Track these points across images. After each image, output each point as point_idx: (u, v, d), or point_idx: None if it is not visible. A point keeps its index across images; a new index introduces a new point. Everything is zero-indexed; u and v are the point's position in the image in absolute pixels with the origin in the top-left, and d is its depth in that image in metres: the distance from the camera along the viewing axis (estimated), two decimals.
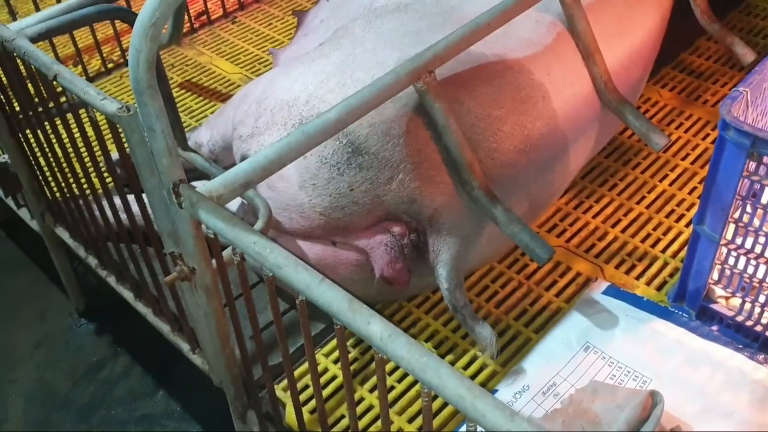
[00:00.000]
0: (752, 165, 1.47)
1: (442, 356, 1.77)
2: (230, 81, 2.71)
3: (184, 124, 2.49)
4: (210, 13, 3.01)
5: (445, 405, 1.67)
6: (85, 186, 1.72)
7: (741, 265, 1.63)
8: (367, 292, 1.79)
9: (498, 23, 1.65)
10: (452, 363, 1.76)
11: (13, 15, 2.65)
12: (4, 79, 1.74)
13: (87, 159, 1.64)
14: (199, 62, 2.81)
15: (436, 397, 1.00)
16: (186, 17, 2.84)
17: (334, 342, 1.83)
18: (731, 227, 1.60)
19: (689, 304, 1.77)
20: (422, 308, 1.88)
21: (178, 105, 2.59)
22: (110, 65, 2.79)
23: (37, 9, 2.57)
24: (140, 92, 1.17)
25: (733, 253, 1.63)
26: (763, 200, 1.52)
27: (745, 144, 1.44)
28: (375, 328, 1.04)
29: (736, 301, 1.71)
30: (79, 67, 2.73)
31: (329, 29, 2.05)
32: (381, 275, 1.68)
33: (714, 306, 1.73)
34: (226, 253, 1.42)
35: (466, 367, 1.75)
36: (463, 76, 1.71)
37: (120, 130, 1.36)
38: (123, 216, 1.69)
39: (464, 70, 1.72)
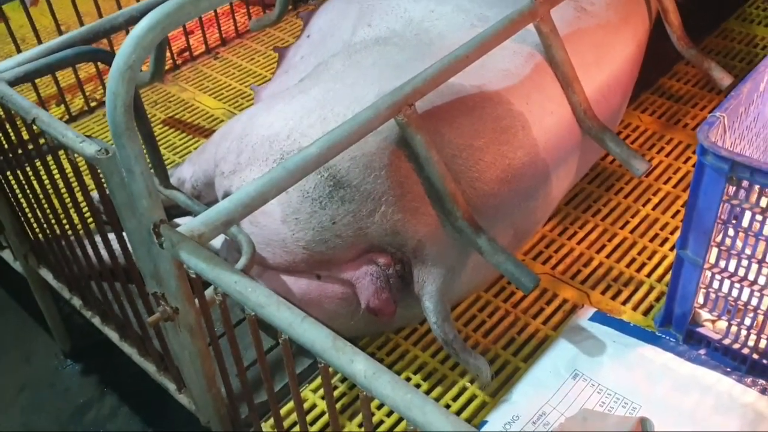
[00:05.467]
0: (732, 189, 1.48)
1: (431, 388, 1.76)
2: (213, 116, 2.71)
3: (168, 161, 2.49)
4: (192, 49, 3.03)
5: None
6: (67, 226, 1.71)
7: (725, 288, 1.64)
8: (353, 325, 1.78)
9: (476, 55, 1.67)
10: (441, 395, 1.75)
11: None
12: None
13: (68, 199, 1.63)
14: (182, 98, 2.82)
15: None
16: (168, 54, 2.86)
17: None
18: (714, 251, 1.60)
19: (676, 329, 1.77)
20: (410, 340, 1.87)
21: (162, 141, 2.59)
22: (93, 104, 2.79)
23: (18, 50, 2.57)
24: (118, 135, 1.17)
25: (717, 277, 1.63)
26: (744, 223, 1.53)
27: (724, 169, 1.45)
28: (359, 366, 1.03)
29: (722, 324, 1.71)
30: (62, 106, 2.73)
31: (309, 65, 2.06)
32: (367, 306, 1.67)
33: (701, 330, 1.73)
34: (209, 292, 1.41)
35: (455, 399, 1.74)
36: (444, 109, 1.73)
37: (100, 171, 1.35)
38: (105, 255, 1.68)
39: (444, 102, 1.73)
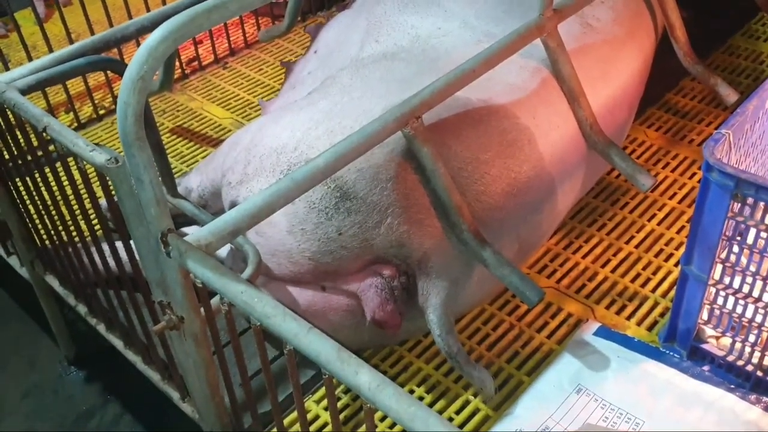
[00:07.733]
0: (737, 206, 1.49)
1: (435, 401, 1.76)
2: (221, 126, 2.73)
3: (176, 170, 2.50)
4: (201, 59, 3.05)
5: None
6: (74, 233, 1.72)
7: (730, 304, 1.64)
8: (358, 337, 1.78)
9: (483, 69, 1.68)
10: (445, 408, 1.75)
11: (5, 64, 2.68)
12: None
13: (76, 207, 1.64)
14: (190, 108, 2.83)
15: None
16: (177, 63, 2.87)
17: (325, 388, 1.81)
18: (719, 267, 1.60)
19: (680, 344, 1.77)
20: (413, 352, 1.88)
21: (170, 150, 2.61)
22: (102, 111, 2.81)
23: (30, 58, 2.59)
24: (128, 144, 1.19)
25: (722, 293, 1.63)
26: (749, 240, 1.53)
27: (729, 185, 1.45)
28: (363, 378, 1.04)
29: (726, 341, 1.71)
30: (71, 114, 2.75)
31: (317, 80, 2.08)
32: (372, 318, 1.68)
33: (705, 346, 1.73)
34: (215, 301, 1.42)
35: (458, 412, 1.74)
36: (450, 122, 1.73)
37: (109, 180, 1.36)
38: (112, 263, 1.69)
39: (451, 115, 1.74)
